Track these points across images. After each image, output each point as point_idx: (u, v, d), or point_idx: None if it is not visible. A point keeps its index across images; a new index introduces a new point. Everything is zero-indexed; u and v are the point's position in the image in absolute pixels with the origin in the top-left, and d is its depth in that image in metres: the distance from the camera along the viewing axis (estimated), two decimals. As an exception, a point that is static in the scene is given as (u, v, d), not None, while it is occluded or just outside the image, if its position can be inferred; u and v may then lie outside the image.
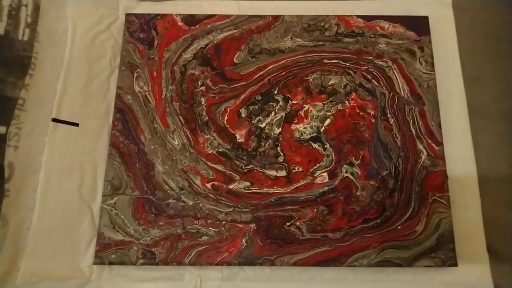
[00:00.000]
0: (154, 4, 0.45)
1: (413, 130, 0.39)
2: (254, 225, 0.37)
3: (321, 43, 0.41)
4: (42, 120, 0.39)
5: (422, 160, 0.38)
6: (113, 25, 0.43)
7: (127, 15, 0.42)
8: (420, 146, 0.39)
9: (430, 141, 0.39)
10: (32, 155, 0.38)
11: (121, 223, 0.37)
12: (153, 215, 0.37)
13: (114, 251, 0.36)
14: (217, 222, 0.37)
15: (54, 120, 0.39)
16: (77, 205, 0.38)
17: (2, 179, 0.36)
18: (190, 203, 0.37)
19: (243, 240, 0.36)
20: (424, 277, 0.37)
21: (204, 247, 0.36)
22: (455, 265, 0.36)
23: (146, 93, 0.40)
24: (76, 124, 0.39)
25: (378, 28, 0.42)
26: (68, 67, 0.40)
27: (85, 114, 0.40)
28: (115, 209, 0.37)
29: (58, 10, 0.42)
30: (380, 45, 0.41)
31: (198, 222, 0.37)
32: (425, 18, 0.42)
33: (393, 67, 0.41)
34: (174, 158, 0.38)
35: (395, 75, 0.41)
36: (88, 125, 0.40)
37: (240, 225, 0.37)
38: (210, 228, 0.37)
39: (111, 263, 0.36)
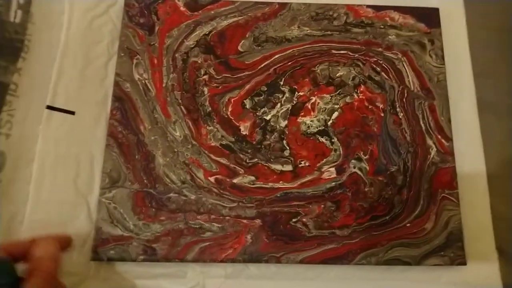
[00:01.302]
0: None
1: (422, 125, 0.38)
2: (259, 221, 0.35)
3: (329, 32, 0.40)
4: (35, 106, 0.36)
5: (432, 156, 0.37)
6: (111, 8, 0.40)
7: (126, -2, 0.40)
8: (430, 142, 0.38)
9: (439, 137, 0.38)
10: (25, 144, 0.35)
11: (120, 218, 0.35)
12: (153, 210, 0.35)
13: (112, 246, 0.34)
14: (221, 217, 0.35)
15: (49, 107, 0.36)
16: (73, 198, 0.36)
17: None
18: (193, 197, 0.36)
19: (248, 237, 0.35)
20: (431, 275, 0.36)
21: (208, 243, 0.35)
22: (464, 264, 0.35)
23: (146, 81, 0.38)
24: (72, 113, 0.37)
25: (388, 18, 0.40)
26: (64, 51, 0.38)
27: (82, 102, 0.38)
28: (113, 203, 0.35)
29: None
30: (389, 37, 0.40)
31: (201, 217, 0.35)
32: (436, 10, 0.41)
33: (402, 59, 0.40)
34: (176, 150, 0.37)
35: (405, 68, 0.39)
36: (84, 113, 0.37)
37: (245, 221, 0.35)
38: (213, 223, 0.35)
39: (109, 259, 0.34)
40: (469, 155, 0.39)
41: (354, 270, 0.36)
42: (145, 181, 0.36)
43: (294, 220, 0.35)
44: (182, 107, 0.38)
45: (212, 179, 0.36)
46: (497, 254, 0.37)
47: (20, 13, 0.37)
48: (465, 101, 0.40)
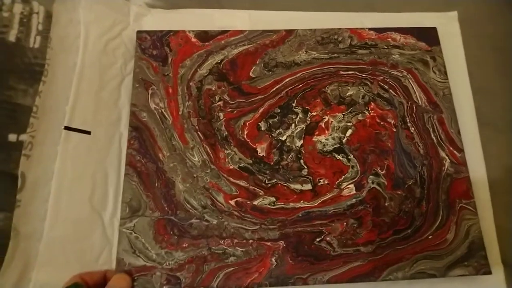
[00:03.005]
0: (165, 12, 0.44)
1: (434, 138, 0.39)
2: (283, 242, 0.35)
3: (336, 55, 0.42)
4: (54, 128, 0.37)
5: (446, 167, 0.38)
6: (124, 31, 0.42)
7: (138, 32, 0.41)
8: (443, 154, 0.39)
9: (451, 148, 0.39)
10: (44, 164, 0.36)
11: (142, 247, 0.34)
12: (176, 237, 0.35)
13: (135, 278, 0.33)
14: (244, 241, 0.35)
15: (66, 128, 0.37)
16: (88, 215, 0.36)
17: (15, 189, 0.34)
18: (214, 222, 0.35)
19: (273, 259, 0.35)
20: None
21: (232, 268, 0.34)
22: (489, 273, 0.35)
23: (162, 110, 0.39)
24: (88, 132, 0.38)
25: (390, 39, 0.43)
26: (80, 74, 0.39)
27: (97, 122, 0.39)
28: (134, 232, 0.35)
29: (70, 15, 0.41)
30: (393, 56, 0.42)
31: (224, 242, 0.35)
32: (434, 29, 0.43)
33: (408, 76, 0.41)
34: (195, 175, 0.37)
35: (411, 84, 0.41)
36: (99, 133, 0.38)
37: (268, 243, 0.35)
38: (237, 248, 0.35)
39: (133, 292, 0.33)
40: (471, 168, 0.39)
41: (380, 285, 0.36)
42: (166, 208, 0.36)
43: (318, 239, 0.35)
44: (199, 133, 0.38)
45: (232, 202, 0.36)
46: (503, 267, 0.37)
47: (39, 39, 0.39)
48: (465, 116, 0.41)
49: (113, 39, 0.41)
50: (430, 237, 0.36)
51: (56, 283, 0.32)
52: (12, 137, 0.35)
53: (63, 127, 0.37)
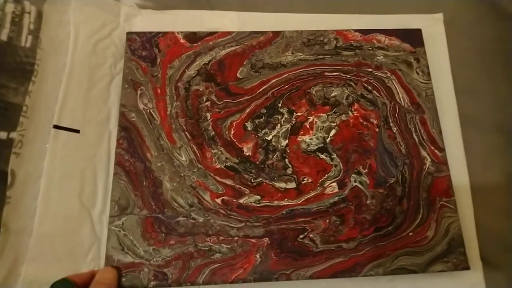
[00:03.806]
0: (155, 13, 0.45)
1: (415, 137, 0.40)
2: (267, 239, 0.36)
3: (321, 56, 0.43)
4: (43, 126, 0.38)
5: (427, 166, 0.39)
6: (114, 32, 0.43)
7: (128, 33, 0.42)
8: (424, 153, 0.40)
9: (432, 148, 0.40)
10: (34, 162, 0.37)
11: (130, 244, 0.35)
12: (163, 234, 0.36)
13: (124, 274, 0.34)
14: (229, 238, 0.36)
15: (56, 126, 0.38)
16: (77, 212, 0.37)
17: (5, 186, 0.35)
18: (201, 219, 0.36)
19: (257, 256, 0.36)
20: (420, 284, 0.38)
21: (218, 264, 0.35)
22: (468, 268, 0.36)
23: (151, 110, 0.40)
24: (77, 131, 0.38)
25: (375, 41, 0.43)
26: (70, 73, 0.40)
27: (86, 121, 0.39)
28: (123, 230, 0.36)
29: (60, 16, 0.41)
30: (378, 57, 0.43)
31: (210, 239, 0.36)
32: (419, 31, 0.44)
33: (391, 77, 0.42)
34: (182, 174, 0.38)
35: (395, 85, 0.42)
36: (88, 131, 0.39)
37: (253, 240, 0.36)
38: (222, 244, 0.36)
39: (121, 287, 0.34)
40: (453, 168, 0.40)
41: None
42: (153, 206, 0.37)
43: (301, 236, 0.36)
44: (186, 133, 0.39)
45: (219, 200, 0.37)
46: (482, 263, 0.38)
47: (30, 38, 0.39)
48: (448, 117, 0.42)
49: (103, 39, 0.42)
50: (410, 234, 0.37)
51: (45, 278, 0.33)
52: (2, 135, 0.36)
53: (52, 126, 0.38)
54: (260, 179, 0.38)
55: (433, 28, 0.46)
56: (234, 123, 0.40)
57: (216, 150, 0.39)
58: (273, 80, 0.41)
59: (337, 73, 0.42)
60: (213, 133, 0.39)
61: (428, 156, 0.40)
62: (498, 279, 0.38)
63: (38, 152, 0.37)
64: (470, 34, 0.46)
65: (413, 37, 0.44)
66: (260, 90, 0.41)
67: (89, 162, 0.38)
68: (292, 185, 0.38)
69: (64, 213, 0.36)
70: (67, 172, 0.37)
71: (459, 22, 0.47)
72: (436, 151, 0.40)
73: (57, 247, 0.35)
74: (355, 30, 0.44)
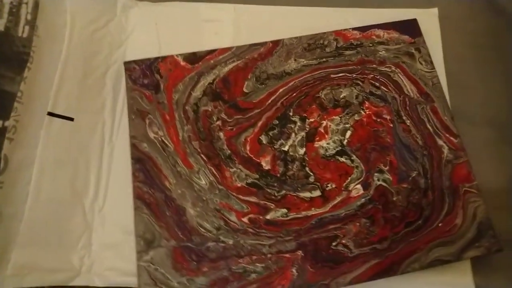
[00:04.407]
0: (152, 5, 0.45)
1: (429, 127, 0.40)
2: (301, 252, 0.36)
3: (324, 59, 0.42)
4: (38, 113, 0.38)
5: (445, 154, 0.39)
6: (110, 22, 0.43)
7: (126, 63, 0.41)
8: (440, 142, 0.40)
9: (447, 135, 0.40)
10: (27, 148, 0.37)
11: (163, 278, 0.34)
12: (195, 263, 0.35)
13: (162, 310, 0.33)
14: (263, 256, 0.35)
15: (50, 113, 0.38)
16: (69, 199, 0.37)
17: None
18: (231, 242, 0.36)
19: (293, 270, 0.35)
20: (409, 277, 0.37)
21: (255, 285, 0.34)
22: (501, 250, 0.36)
23: (162, 138, 0.39)
24: (71, 119, 0.38)
25: (374, 36, 0.43)
26: (65, 62, 0.40)
27: (80, 109, 0.39)
28: (152, 264, 0.35)
29: (57, 5, 0.41)
30: (380, 52, 0.43)
31: (243, 260, 0.35)
32: (415, 21, 0.44)
33: (397, 71, 0.42)
34: (204, 198, 0.37)
35: (401, 78, 0.42)
36: (82, 120, 0.39)
37: (287, 255, 0.36)
38: (256, 264, 0.35)
39: (161, 324, 0.33)
40: None
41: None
42: (180, 235, 0.36)
43: (334, 243, 0.36)
44: (202, 155, 0.38)
45: (245, 219, 0.37)
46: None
47: (27, 28, 0.39)
48: None
49: (99, 29, 0.42)
50: (440, 224, 0.37)
51: (35, 263, 0.34)
52: None
53: (46, 113, 0.38)
54: (284, 191, 0.38)
55: (427, 22, 0.46)
56: (248, 138, 0.39)
57: (234, 169, 0.38)
58: (281, 90, 0.41)
59: (342, 74, 0.42)
60: (229, 151, 0.39)
61: (444, 144, 0.40)
62: (485, 269, 0.38)
63: (31, 138, 0.37)
64: (464, 29, 0.47)
65: (410, 27, 0.44)
66: (269, 101, 0.41)
67: (82, 151, 0.39)
68: (317, 193, 0.38)
69: (56, 200, 0.36)
70: (60, 159, 0.37)
71: (453, 17, 0.47)
72: (452, 138, 0.40)
73: (48, 233, 0.35)
74: (353, 29, 0.44)
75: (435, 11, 0.47)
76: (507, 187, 0.41)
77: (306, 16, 0.46)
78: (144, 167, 0.38)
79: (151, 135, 0.39)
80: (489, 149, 0.42)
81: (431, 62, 0.43)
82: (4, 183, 0.35)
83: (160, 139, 0.39)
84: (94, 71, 0.41)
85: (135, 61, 0.41)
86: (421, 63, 0.43)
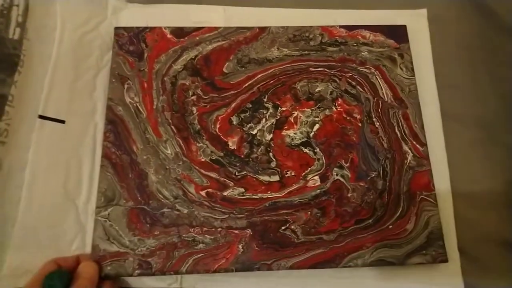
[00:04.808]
0: (142, 7, 0.46)
1: (398, 132, 0.41)
2: (250, 230, 0.37)
3: (306, 52, 0.43)
4: (29, 116, 0.38)
5: (408, 160, 0.40)
6: (101, 24, 0.43)
7: (116, 28, 0.43)
8: (406, 148, 0.40)
9: (414, 143, 0.41)
10: (19, 151, 0.37)
11: (116, 234, 0.36)
12: (148, 225, 0.37)
13: (109, 263, 0.35)
14: (213, 229, 0.37)
15: (41, 117, 0.38)
16: (62, 201, 0.38)
17: None
18: (185, 211, 0.37)
19: (240, 246, 0.37)
20: (394, 274, 0.38)
21: (201, 254, 0.36)
22: (446, 261, 0.37)
23: (137, 104, 0.40)
24: (63, 121, 0.39)
25: (360, 37, 0.44)
26: (55, 65, 0.40)
27: (71, 112, 0.40)
28: (109, 220, 0.37)
29: (47, 7, 0.42)
30: (362, 53, 0.43)
31: (193, 230, 0.37)
32: (404, 27, 0.45)
33: (375, 73, 0.43)
34: (167, 167, 0.39)
35: (378, 81, 0.43)
36: (74, 122, 0.40)
37: (236, 231, 0.37)
38: (206, 235, 0.37)
39: (106, 276, 0.35)
40: (434, 161, 0.40)
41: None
42: (139, 198, 0.37)
43: (283, 228, 0.37)
44: (172, 126, 0.40)
45: (203, 193, 0.38)
46: (459, 255, 0.39)
47: (18, 31, 0.40)
48: (430, 111, 0.43)
49: (90, 31, 0.43)
50: (390, 227, 0.38)
51: (29, 266, 0.34)
52: None
53: (37, 116, 0.38)
54: (245, 172, 0.39)
55: (416, 23, 0.46)
56: (219, 117, 0.41)
57: (201, 144, 0.40)
58: (259, 75, 0.42)
59: (321, 69, 0.43)
60: (199, 127, 0.40)
61: (409, 151, 0.40)
62: (475, 269, 0.39)
63: (23, 142, 0.38)
64: (453, 30, 0.47)
65: (398, 33, 0.44)
66: (246, 85, 0.42)
67: (74, 153, 0.39)
68: (276, 178, 0.39)
69: (49, 202, 0.37)
70: (52, 162, 0.38)
71: (442, 18, 0.47)
72: (418, 145, 0.41)
73: (42, 236, 0.36)
74: (340, 26, 0.44)
75: (424, 12, 0.47)
76: (495, 186, 0.42)
77: (296, 18, 0.45)
78: (115, 129, 0.39)
79: (127, 99, 0.40)
80: (477, 149, 0.43)
81: (412, 70, 0.43)
82: None
83: (135, 105, 0.40)
84: (84, 74, 0.41)
85: (124, 28, 0.43)
86: (401, 69, 0.43)
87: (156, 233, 0.37)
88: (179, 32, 0.43)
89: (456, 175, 0.42)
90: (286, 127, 0.41)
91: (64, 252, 0.36)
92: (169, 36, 0.43)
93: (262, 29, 0.44)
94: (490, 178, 0.42)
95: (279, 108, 0.41)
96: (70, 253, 0.37)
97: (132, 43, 0.42)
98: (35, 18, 0.41)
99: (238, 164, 0.39)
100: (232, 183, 0.38)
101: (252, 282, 0.38)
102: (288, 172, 0.39)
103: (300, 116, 0.41)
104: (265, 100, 0.41)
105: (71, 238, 0.37)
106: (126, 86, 0.41)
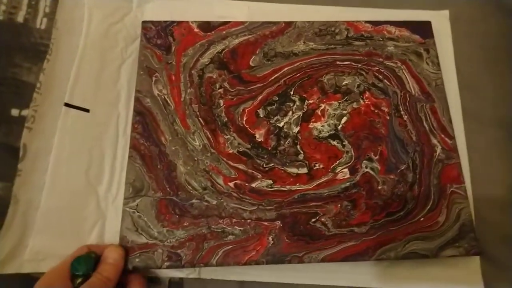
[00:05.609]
0: (167, 0, 0.46)
1: (426, 125, 0.41)
2: (280, 222, 0.37)
3: (332, 46, 0.43)
4: (55, 103, 0.39)
5: (437, 153, 0.40)
6: (126, 16, 0.44)
7: (144, 22, 0.43)
8: (434, 141, 0.40)
9: (443, 136, 0.40)
10: (45, 137, 0.38)
11: (144, 226, 0.36)
12: (177, 216, 0.36)
13: (138, 254, 0.35)
14: (242, 220, 0.36)
15: (66, 104, 0.39)
16: (84, 188, 0.38)
17: (15, 160, 0.36)
18: (214, 202, 0.37)
19: (270, 238, 0.36)
20: (415, 273, 0.38)
21: (231, 246, 0.36)
22: (479, 253, 0.37)
23: (165, 96, 0.40)
24: (87, 110, 0.40)
25: (385, 32, 0.44)
26: (82, 55, 0.41)
27: (96, 101, 0.41)
28: (137, 212, 0.36)
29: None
30: (388, 48, 0.43)
31: (223, 221, 0.36)
32: (428, 23, 0.45)
33: (402, 67, 0.43)
34: (196, 158, 0.38)
35: (405, 75, 0.42)
36: (98, 111, 0.40)
37: (266, 223, 0.36)
38: (235, 227, 0.36)
39: (135, 268, 0.35)
40: None
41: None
42: (167, 189, 0.37)
43: (313, 220, 0.37)
44: (200, 118, 0.40)
45: (231, 184, 0.38)
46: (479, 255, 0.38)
47: (45, 21, 0.41)
48: (451, 110, 0.42)
49: (116, 23, 0.44)
50: (422, 219, 0.37)
51: (51, 250, 0.35)
52: (14, 112, 0.38)
53: (63, 104, 0.39)
54: (272, 164, 0.39)
55: (438, 24, 0.46)
56: (246, 110, 0.40)
57: (228, 136, 0.39)
58: (285, 69, 0.42)
59: (348, 62, 0.43)
60: (226, 119, 0.40)
61: (438, 144, 0.40)
62: (494, 269, 0.38)
63: (49, 128, 0.38)
64: (474, 30, 0.47)
65: (423, 29, 0.45)
66: (272, 78, 0.42)
67: (97, 141, 0.40)
68: (304, 170, 0.38)
69: (71, 188, 0.38)
70: (75, 149, 0.39)
71: (464, 19, 0.47)
72: (446, 138, 0.40)
73: (63, 221, 0.37)
74: (366, 22, 0.44)
75: (446, 13, 0.47)
76: None
77: (320, 14, 0.46)
78: (144, 121, 0.39)
79: (156, 92, 0.40)
80: (498, 148, 0.43)
81: (438, 64, 0.43)
82: (22, 171, 0.36)
83: (163, 97, 0.40)
84: (109, 64, 0.42)
85: (152, 22, 0.43)
86: (427, 64, 0.43)
87: (185, 224, 0.36)
88: (206, 26, 0.43)
89: (477, 175, 0.41)
90: (313, 119, 0.40)
91: (84, 238, 0.37)
92: (196, 30, 0.43)
93: (288, 24, 0.44)
94: (510, 179, 0.41)
95: (306, 101, 0.41)
96: (90, 239, 0.37)
97: (159, 37, 0.42)
98: (64, 10, 0.42)
99: (265, 156, 0.39)
100: (260, 175, 0.38)
101: (265, 275, 0.37)
102: (316, 165, 0.39)
103: (328, 109, 0.41)
104: (292, 93, 0.41)
105: (91, 224, 0.37)
106: (154, 78, 0.41)
